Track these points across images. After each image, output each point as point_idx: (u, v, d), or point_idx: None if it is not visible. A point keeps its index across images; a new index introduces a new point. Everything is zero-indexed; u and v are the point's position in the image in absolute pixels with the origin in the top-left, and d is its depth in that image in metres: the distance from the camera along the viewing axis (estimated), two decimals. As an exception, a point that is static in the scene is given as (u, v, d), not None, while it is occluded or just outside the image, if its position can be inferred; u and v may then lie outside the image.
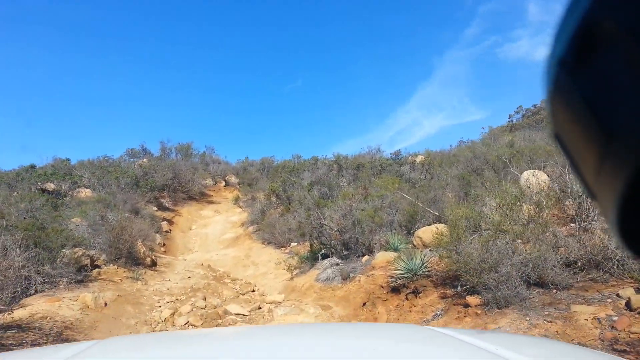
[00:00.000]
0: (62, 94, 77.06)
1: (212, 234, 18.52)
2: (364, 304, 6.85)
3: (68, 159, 21.37)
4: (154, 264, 11.80)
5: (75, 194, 17.43)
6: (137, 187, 18.01)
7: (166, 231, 17.67)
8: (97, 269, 9.51)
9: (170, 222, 18.87)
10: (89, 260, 9.34)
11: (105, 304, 7.11)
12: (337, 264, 9.60)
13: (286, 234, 14.67)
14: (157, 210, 19.25)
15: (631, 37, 0.29)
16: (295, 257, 12.22)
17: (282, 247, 14.56)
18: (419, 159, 21.24)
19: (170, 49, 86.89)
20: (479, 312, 5.21)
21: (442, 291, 5.91)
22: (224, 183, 26.91)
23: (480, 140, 24.11)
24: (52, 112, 75.62)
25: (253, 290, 10.04)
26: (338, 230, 9.75)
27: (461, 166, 15.21)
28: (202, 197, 23.99)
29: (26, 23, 72.92)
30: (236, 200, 20.02)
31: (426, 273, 6.52)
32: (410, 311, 5.94)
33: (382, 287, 6.94)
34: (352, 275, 8.59)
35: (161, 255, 13.68)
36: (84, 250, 9.62)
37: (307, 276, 9.73)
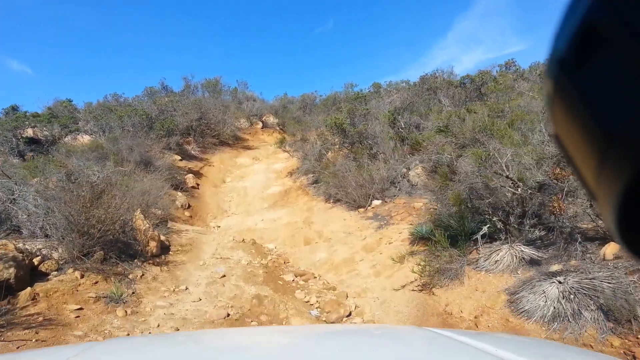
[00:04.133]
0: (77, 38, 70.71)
1: (253, 188, 13.37)
2: None
3: (69, 100, 16.31)
4: (164, 249, 6.74)
5: (72, 141, 12.49)
6: (150, 129, 12.81)
7: (192, 187, 12.63)
8: (36, 286, 4.46)
9: (197, 174, 13.80)
10: (12, 271, 4.26)
11: None
12: (535, 261, 4.14)
13: (365, 188, 9.27)
14: (180, 160, 14.19)
15: (632, 37, 0.28)
16: (401, 232, 6.87)
17: (358, 207, 9.24)
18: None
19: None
20: None
21: None
22: (260, 124, 21.48)
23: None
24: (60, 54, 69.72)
25: (349, 314, 4.78)
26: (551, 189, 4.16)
27: None
28: (236, 142, 18.73)
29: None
30: (281, 142, 14.56)
31: None
32: None
33: None
34: (641, 312, 3.10)
35: (181, 228, 8.63)
36: (10, 244, 4.55)
37: (467, 289, 4.34)
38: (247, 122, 20.79)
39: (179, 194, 11.27)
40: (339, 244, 7.54)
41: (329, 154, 12.19)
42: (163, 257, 6.49)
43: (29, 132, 12.48)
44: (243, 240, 8.23)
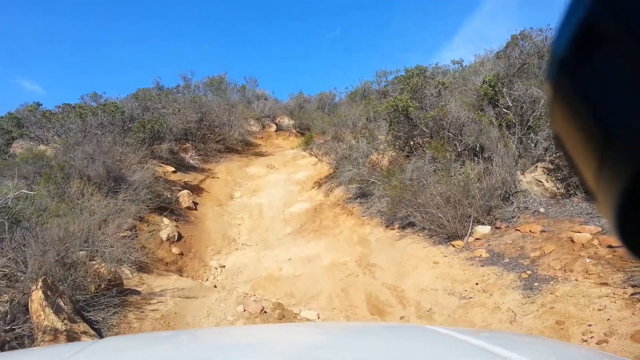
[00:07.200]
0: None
1: (270, 206, 9.63)
2: None
3: (38, 103, 12.82)
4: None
5: (18, 150, 8.88)
6: (128, 132, 9.14)
7: (188, 207, 8.91)
8: None
9: (196, 190, 10.09)
10: None
11: None
12: None
13: (459, 205, 5.43)
14: (173, 172, 10.52)
15: (632, 37, 0.27)
16: (604, 307, 2.99)
17: (450, 237, 5.40)
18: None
19: None
20: None
21: None
22: (274, 127, 17.79)
23: None
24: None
25: None
26: None
27: None
28: (246, 148, 15.05)
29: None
30: (306, 144, 10.75)
31: None
32: None
33: None
34: None
35: (153, 287, 4.86)
36: None
37: None
38: (258, 125, 17.12)
39: (165, 220, 7.55)
40: (459, 318, 3.68)
41: (374, 155, 8.40)
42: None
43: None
44: (263, 309, 4.44)
